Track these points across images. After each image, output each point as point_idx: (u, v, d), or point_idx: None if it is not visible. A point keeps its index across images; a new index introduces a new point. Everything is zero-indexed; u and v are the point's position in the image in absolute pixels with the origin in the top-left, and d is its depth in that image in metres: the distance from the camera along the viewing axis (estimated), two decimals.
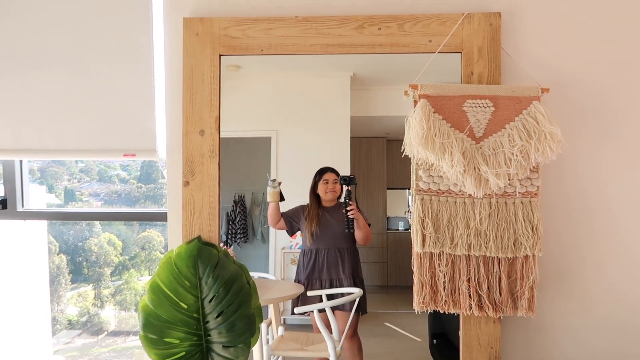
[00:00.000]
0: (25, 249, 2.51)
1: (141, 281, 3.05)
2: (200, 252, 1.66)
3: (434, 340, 2.13)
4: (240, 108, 1.92)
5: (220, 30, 1.77)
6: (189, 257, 1.65)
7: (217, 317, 1.62)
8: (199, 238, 1.73)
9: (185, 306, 1.63)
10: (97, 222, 2.94)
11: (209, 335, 1.64)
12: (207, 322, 1.63)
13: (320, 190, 2.13)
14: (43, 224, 2.65)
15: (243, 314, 1.64)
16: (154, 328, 1.62)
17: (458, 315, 1.79)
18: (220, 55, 1.78)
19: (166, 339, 1.62)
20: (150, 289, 1.63)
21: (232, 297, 1.63)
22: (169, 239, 1.88)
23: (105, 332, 3.01)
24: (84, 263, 2.96)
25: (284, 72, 2.19)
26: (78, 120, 1.91)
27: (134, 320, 3.04)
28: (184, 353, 1.63)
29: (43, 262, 2.68)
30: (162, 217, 1.98)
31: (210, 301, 1.63)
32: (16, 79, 1.93)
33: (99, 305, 3.02)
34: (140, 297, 2.98)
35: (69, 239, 2.91)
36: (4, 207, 2.08)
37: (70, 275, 2.95)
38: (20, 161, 2.12)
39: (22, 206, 2.10)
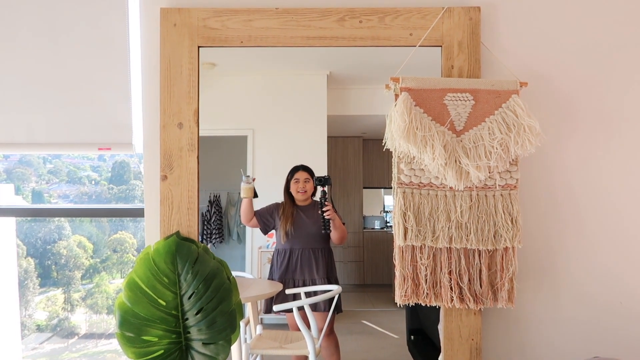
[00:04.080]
0: None
1: (113, 284, 3.00)
2: (179, 247, 1.63)
3: (412, 337, 2.15)
4: (216, 106, 1.94)
5: (198, 21, 1.74)
6: (167, 253, 1.62)
7: (196, 313, 1.60)
8: (177, 233, 1.70)
9: (164, 303, 1.60)
10: (66, 224, 2.89)
11: (189, 333, 1.61)
12: (187, 319, 1.61)
13: (292, 189, 2.14)
14: (11, 224, 2.56)
15: (223, 311, 1.61)
16: (131, 326, 1.58)
17: (435, 311, 1.81)
18: (199, 47, 1.75)
19: (144, 337, 1.59)
20: (127, 286, 1.59)
21: (212, 294, 1.61)
22: (146, 235, 1.84)
23: (76, 337, 2.95)
24: (53, 266, 2.89)
25: (260, 70, 2.20)
26: (50, 112, 1.86)
27: (106, 324, 2.99)
28: (162, 351, 1.60)
29: (11, 264, 2.59)
30: (138, 212, 1.95)
31: (189, 298, 1.60)
32: None
33: (69, 309, 2.95)
34: (113, 300, 2.93)
35: (37, 242, 2.84)
36: None
37: (39, 279, 2.88)
38: None
39: None
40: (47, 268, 2.88)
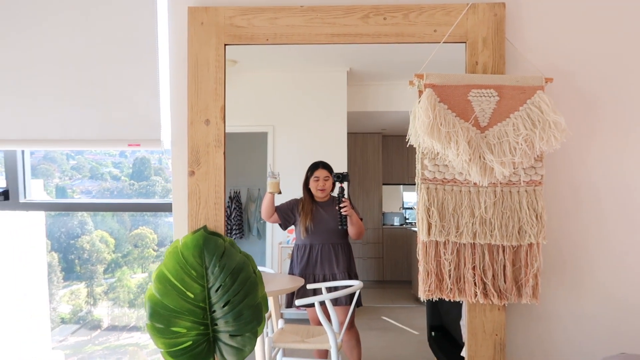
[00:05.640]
0: (22, 243, 2.49)
1: (134, 278, 3.05)
2: (207, 241, 1.67)
3: (432, 333, 2.15)
4: (237, 103, 1.93)
5: (225, 20, 1.77)
6: (195, 247, 1.65)
7: (223, 306, 1.63)
8: (204, 228, 1.74)
9: (192, 295, 1.63)
10: (89, 220, 2.94)
11: (216, 325, 1.65)
12: (214, 311, 1.64)
13: (311, 187, 2.15)
14: (41, 218, 2.63)
15: (250, 303, 1.65)
16: (161, 317, 1.62)
17: (456, 307, 1.82)
18: (225, 45, 1.78)
19: (173, 328, 1.63)
20: (157, 278, 1.63)
21: (238, 287, 1.64)
22: (174, 229, 1.88)
23: (99, 330, 3.01)
24: (76, 261, 2.95)
25: (281, 67, 2.22)
26: (82, 110, 1.90)
27: (127, 318, 3.05)
28: (191, 342, 1.63)
29: (41, 256, 2.66)
30: (166, 207, 1.98)
31: (216, 290, 1.63)
32: (20, 69, 1.92)
33: (91, 303, 3.02)
34: (135, 294, 2.98)
35: (60, 237, 2.90)
36: (6, 198, 2.06)
37: (63, 273, 2.95)
38: (22, 152, 2.11)
39: (25, 197, 2.09)
40: (70, 262, 2.94)
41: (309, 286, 2.12)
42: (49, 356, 2.68)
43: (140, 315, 3.06)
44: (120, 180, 2.77)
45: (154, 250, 2.98)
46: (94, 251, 2.95)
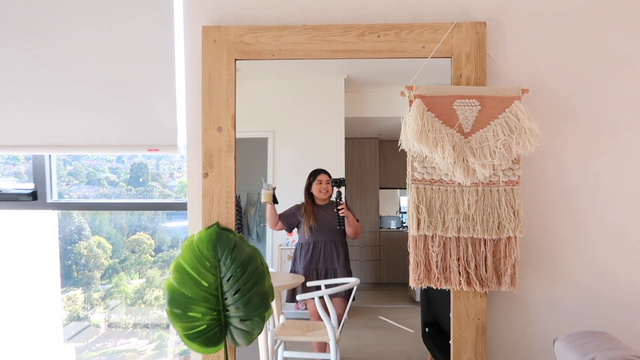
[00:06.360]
0: (38, 241, 2.58)
1: (131, 284, 3.06)
2: (219, 236, 1.81)
3: (426, 329, 2.24)
4: (239, 109, 1.98)
5: (235, 37, 1.92)
6: (209, 241, 1.79)
7: (234, 294, 1.77)
8: (217, 224, 1.88)
9: (206, 284, 1.77)
10: (86, 225, 2.93)
11: (228, 310, 1.78)
12: (226, 298, 1.78)
13: (315, 190, 2.26)
14: (54, 218, 2.71)
15: (258, 292, 1.79)
16: (179, 304, 1.76)
17: (448, 304, 1.94)
18: (235, 60, 1.93)
19: (189, 314, 1.76)
20: (175, 269, 1.77)
21: (247, 276, 1.78)
22: (189, 226, 2.02)
23: (96, 336, 3.02)
24: (74, 266, 2.96)
25: (282, 75, 2.27)
26: (106, 118, 2.02)
27: (125, 323, 3.06)
28: (205, 326, 1.77)
29: (53, 254, 2.70)
30: (182, 206, 2.12)
31: (228, 280, 1.77)
32: (49, 81, 2.03)
33: (88, 308, 3.03)
34: (132, 299, 2.97)
35: (57, 242, 2.86)
36: (35, 198, 2.18)
37: (60, 278, 2.90)
38: (50, 157, 2.24)
39: (51, 198, 2.21)
40: (67, 268, 2.94)
41: (309, 283, 2.22)
42: (61, 350, 2.76)
43: (137, 321, 3.06)
44: (118, 186, 2.78)
45: (151, 255, 2.99)
46: (91, 257, 2.95)
